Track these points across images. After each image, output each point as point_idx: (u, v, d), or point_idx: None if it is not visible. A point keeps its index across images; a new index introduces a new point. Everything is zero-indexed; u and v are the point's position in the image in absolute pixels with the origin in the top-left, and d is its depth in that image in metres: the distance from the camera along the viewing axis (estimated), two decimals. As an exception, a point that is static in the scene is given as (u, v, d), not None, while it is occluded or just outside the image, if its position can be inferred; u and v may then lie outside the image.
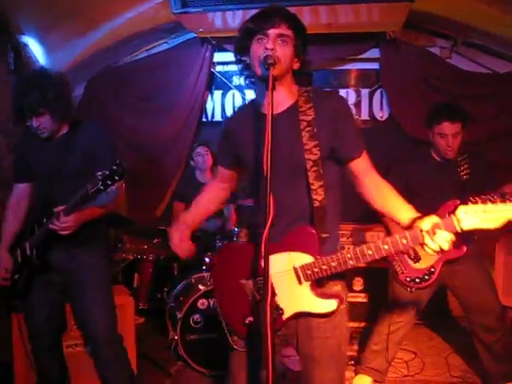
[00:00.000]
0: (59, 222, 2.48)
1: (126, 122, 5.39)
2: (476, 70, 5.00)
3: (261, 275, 1.92)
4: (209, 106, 5.58)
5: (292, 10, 1.95)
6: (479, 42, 4.93)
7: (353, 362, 3.84)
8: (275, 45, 1.84)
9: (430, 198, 3.00)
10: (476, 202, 1.65)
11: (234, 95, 5.56)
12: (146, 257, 4.83)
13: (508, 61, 4.92)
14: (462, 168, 3.19)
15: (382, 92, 5.31)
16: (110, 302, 2.85)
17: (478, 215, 1.65)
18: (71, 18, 4.23)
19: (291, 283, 1.90)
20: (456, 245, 3.07)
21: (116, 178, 2.24)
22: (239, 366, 2.11)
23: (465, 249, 3.07)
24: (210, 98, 5.57)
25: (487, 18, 4.33)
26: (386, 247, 1.78)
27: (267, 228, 1.58)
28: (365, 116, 5.37)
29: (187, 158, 5.20)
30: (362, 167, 1.98)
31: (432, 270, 3.15)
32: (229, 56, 5.28)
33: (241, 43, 1.96)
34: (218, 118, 5.56)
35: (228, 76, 5.54)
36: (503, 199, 1.62)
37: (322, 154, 1.90)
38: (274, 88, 1.73)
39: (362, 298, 4.67)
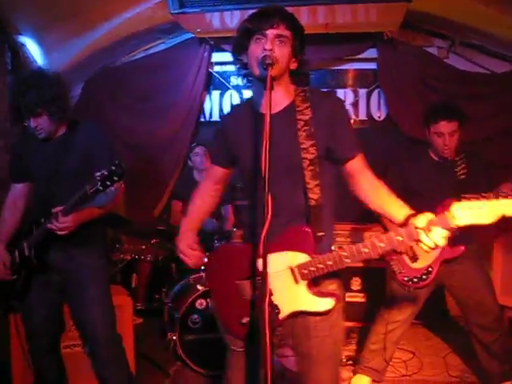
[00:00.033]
0: (58, 222, 2.48)
1: (124, 122, 5.38)
2: (473, 70, 5.01)
3: (257, 275, 1.93)
4: (207, 106, 5.59)
5: (290, 9, 1.95)
6: (477, 42, 4.94)
7: (351, 362, 3.84)
8: (273, 45, 1.84)
9: (428, 197, 3.00)
10: (469, 199, 1.68)
11: (231, 95, 5.56)
12: (144, 257, 4.83)
13: (505, 61, 4.93)
14: (459, 168, 3.19)
15: (379, 92, 5.32)
16: (108, 301, 2.85)
17: (471, 211, 1.67)
18: (69, 19, 4.23)
19: (288, 282, 1.90)
20: (453, 244, 3.09)
21: (115, 178, 2.24)
22: (236, 366, 2.11)
23: (462, 248, 3.08)
24: (207, 98, 5.58)
25: (485, 18, 4.33)
26: (382, 245, 1.79)
27: (265, 228, 1.58)
28: (362, 116, 5.38)
29: (185, 158, 5.20)
30: (358, 167, 1.99)
31: (430, 269, 3.16)
32: (227, 56, 5.29)
33: (239, 43, 1.96)
34: (215, 118, 5.56)
35: (226, 76, 5.55)
36: (496, 195, 1.65)
37: (319, 154, 1.92)
38: (272, 88, 1.73)
39: (359, 298, 4.68)
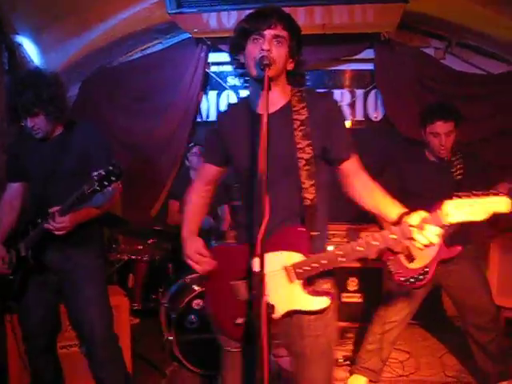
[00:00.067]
0: (54, 222, 2.48)
1: (121, 122, 5.38)
2: (470, 71, 5.02)
3: (251, 276, 1.93)
4: (203, 106, 5.58)
5: (287, 10, 1.95)
6: (473, 43, 4.95)
7: (348, 362, 3.85)
8: (271, 45, 1.84)
9: (425, 197, 2.98)
10: (461, 197, 1.70)
11: (228, 95, 5.56)
12: (141, 257, 4.82)
13: (502, 61, 4.94)
14: (455, 168, 3.20)
15: (376, 93, 5.32)
16: (105, 301, 2.85)
17: (463, 209, 1.69)
18: (66, 18, 4.23)
19: (282, 282, 1.91)
20: (449, 244, 3.09)
21: (112, 178, 2.24)
22: (230, 367, 2.12)
23: (459, 249, 3.08)
24: (204, 98, 5.57)
25: (481, 18, 4.34)
26: (376, 243, 1.81)
27: (263, 228, 1.58)
28: (359, 116, 5.38)
29: (182, 158, 5.20)
30: (352, 168, 2.01)
31: (426, 269, 3.15)
32: (223, 56, 5.28)
33: (236, 43, 1.96)
34: (212, 118, 5.55)
35: (223, 76, 5.54)
36: (487, 193, 1.67)
37: (315, 153, 1.93)
38: (269, 89, 1.73)
39: (356, 298, 4.68)
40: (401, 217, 1.82)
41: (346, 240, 4.68)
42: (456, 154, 3.24)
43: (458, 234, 3.07)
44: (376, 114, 5.35)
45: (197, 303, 3.66)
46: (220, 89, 5.57)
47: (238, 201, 2.24)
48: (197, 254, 2.01)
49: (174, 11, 4.32)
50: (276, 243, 1.90)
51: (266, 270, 1.67)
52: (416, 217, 1.76)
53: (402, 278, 3.20)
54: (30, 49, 4.38)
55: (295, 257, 1.90)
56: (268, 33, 1.85)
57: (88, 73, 5.39)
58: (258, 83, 1.86)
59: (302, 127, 1.93)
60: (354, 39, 4.95)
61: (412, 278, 3.19)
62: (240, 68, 2.02)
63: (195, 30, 4.78)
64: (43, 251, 2.69)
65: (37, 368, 2.92)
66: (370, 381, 3.53)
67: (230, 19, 4.44)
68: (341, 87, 5.42)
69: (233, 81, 5.48)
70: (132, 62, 5.52)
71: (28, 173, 2.78)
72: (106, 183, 2.23)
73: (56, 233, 2.51)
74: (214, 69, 5.54)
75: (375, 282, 4.46)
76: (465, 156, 3.24)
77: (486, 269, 4.22)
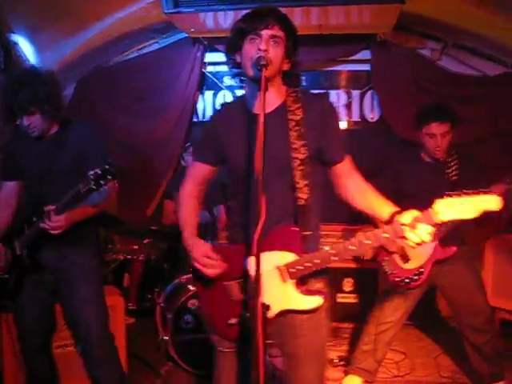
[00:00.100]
0: (50, 221, 2.47)
1: (117, 122, 5.36)
2: (466, 72, 5.03)
3: (245, 276, 1.94)
4: (200, 106, 5.57)
5: (283, 10, 1.96)
6: (469, 45, 4.95)
7: (343, 363, 3.85)
8: (268, 46, 1.84)
9: (420, 198, 2.97)
10: (452, 196, 1.73)
11: (224, 95, 5.55)
12: (137, 257, 4.81)
13: (498, 63, 4.95)
14: (451, 169, 3.21)
15: (372, 93, 5.32)
16: (101, 301, 2.85)
17: (454, 207, 1.73)
18: (62, 18, 4.21)
19: (275, 282, 1.92)
20: (444, 244, 3.10)
21: (108, 177, 2.24)
22: (223, 367, 2.13)
23: (454, 249, 3.09)
24: (201, 98, 5.56)
25: (476, 19, 4.35)
26: (369, 242, 1.83)
27: (259, 228, 1.58)
28: (355, 117, 5.38)
29: (178, 157, 5.20)
30: (345, 170, 2.04)
31: (421, 270, 3.17)
32: (220, 56, 5.28)
33: (232, 42, 1.97)
34: (208, 118, 5.55)
35: (219, 76, 5.53)
36: (477, 192, 1.70)
37: (310, 154, 1.94)
38: (266, 89, 1.73)
39: (352, 299, 4.69)
40: (393, 216, 1.84)
41: (341, 241, 4.68)
42: (452, 155, 3.25)
43: (452, 234, 3.08)
44: (372, 115, 5.35)
45: (192, 303, 3.65)
46: (216, 89, 5.56)
47: (231, 200, 2.22)
48: (205, 258, 1.98)
49: (170, 11, 4.31)
50: (269, 243, 1.90)
51: (260, 269, 1.67)
52: (408, 216, 1.79)
53: (398, 279, 3.21)
54: (25, 47, 4.37)
55: (288, 256, 1.91)
56: (265, 33, 1.86)
57: (84, 72, 5.37)
58: (255, 83, 1.87)
59: (297, 127, 1.94)
60: (351, 40, 4.94)
61: (407, 278, 3.20)
62: (236, 68, 2.02)
63: (192, 30, 4.77)
64: (38, 250, 2.69)
65: (32, 367, 2.91)
66: (365, 381, 3.53)
67: (226, 19, 4.43)
68: (337, 88, 5.41)
69: (229, 81, 5.48)
70: (128, 61, 5.50)
71: (23, 171, 2.77)
72: (102, 182, 2.23)
73: (52, 232, 2.50)
74: (210, 69, 5.53)
75: (371, 282, 4.47)
76: (461, 157, 3.25)
77: (481, 269, 4.23)
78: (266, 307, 1.72)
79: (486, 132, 4.85)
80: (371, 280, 4.48)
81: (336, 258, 1.86)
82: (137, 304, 4.76)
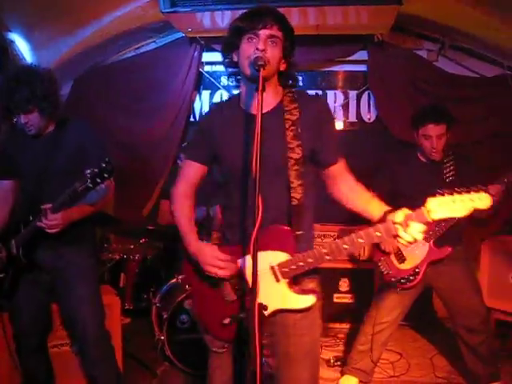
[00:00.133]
0: (47, 219, 2.46)
1: (114, 120, 5.34)
2: (463, 73, 5.04)
3: (238, 275, 1.96)
4: (197, 105, 5.57)
5: (280, 10, 1.96)
6: (466, 46, 4.96)
7: (339, 363, 3.85)
8: (266, 46, 1.84)
9: (416, 199, 2.99)
10: (443, 194, 1.75)
11: (221, 95, 5.55)
12: (133, 257, 4.80)
13: (494, 65, 4.95)
14: (447, 170, 3.22)
15: (369, 94, 5.33)
16: (98, 300, 2.84)
17: (446, 206, 1.74)
18: (59, 16, 4.20)
19: (269, 282, 1.92)
20: (440, 245, 3.11)
21: (105, 175, 2.23)
22: (216, 367, 2.14)
23: (449, 250, 3.10)
24: (197, 97, 5.56)
25: (473, 20, 4.36)
26: (361, 240, 1.83)
27: (256, 228, 1.58)
28: (352, 118, 5.38)
29: (175, 157, 5.19)
30: (339, 171, 2.05)
31: (417, 270, 3.18)
32: (217, 56, 5.26)
33: (229, 41, 1.96)
34: (206, 118, 5.53)
35: (216, 76, 5.53)
36: (468, 190, 1.72)
37: (304, 154, 1.94)
38: (264, 89, 1.72)
39: (348, 299, 4.69)
40: (385, 214, 1.85)
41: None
42: (448, 156, 3.25)
43: (447, 235, 3.09)
44: (369, 116, 5.35)
45: (188, 303, 3.65)
46: (213, 88, 5.56)
47: (225, 200, 2.21)
48: (217, 260, 1.96)
49: (167, 10, 4.31)
50: (262, 243, 1.89)
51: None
52: (400, 214, 1.79)
53: (393, 279, 3.22)
54: (22, 46, 4.36)
55: (281, 256, 1.91)
56: (263, 33, 1.85)
57: (81, 71, 5.35)
58: (252, 83, 1.87)
59: (292, 127, 1.94)
60: (348, 40, 4.95)
61: (403, 278, 3.21)
62: (232, 67, 2.02)
63: (189, 30, 4.77)
64: (35, 250, 2.68)
65: (28, 367, 2.91)
66: (361, 381, 3.54)
67: (223, 19, 4.43)
68: (334, 88, 5.42)
69: (226, 80, 5.47)
70: (125, 60, 5.49)
71: (20, 170, 2.76)
72: (98, 180, 2.23)
73: (48, 231, 2.50)
74: (207, 68, 5.53)
75: (366, 282, 4.48)
76: (457, 158, 3.25)
77: (477, 270, 4.24)
78: (264, 307, 1.72)
79: (483, 133, 4.85)
80: (367, 280, 4.49)
81: (329, 257, 1.86)
82: (133, 304, 4.75)
